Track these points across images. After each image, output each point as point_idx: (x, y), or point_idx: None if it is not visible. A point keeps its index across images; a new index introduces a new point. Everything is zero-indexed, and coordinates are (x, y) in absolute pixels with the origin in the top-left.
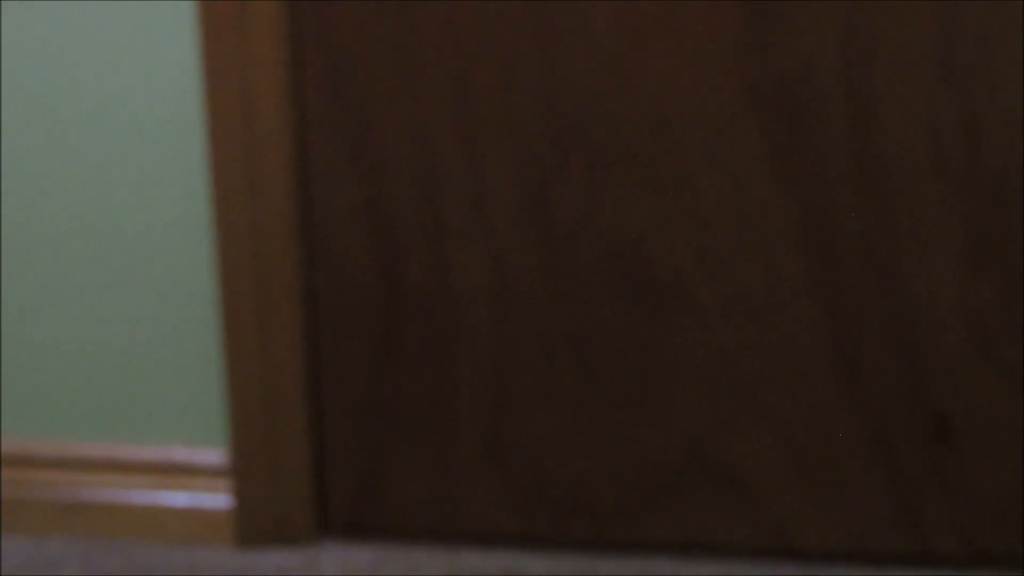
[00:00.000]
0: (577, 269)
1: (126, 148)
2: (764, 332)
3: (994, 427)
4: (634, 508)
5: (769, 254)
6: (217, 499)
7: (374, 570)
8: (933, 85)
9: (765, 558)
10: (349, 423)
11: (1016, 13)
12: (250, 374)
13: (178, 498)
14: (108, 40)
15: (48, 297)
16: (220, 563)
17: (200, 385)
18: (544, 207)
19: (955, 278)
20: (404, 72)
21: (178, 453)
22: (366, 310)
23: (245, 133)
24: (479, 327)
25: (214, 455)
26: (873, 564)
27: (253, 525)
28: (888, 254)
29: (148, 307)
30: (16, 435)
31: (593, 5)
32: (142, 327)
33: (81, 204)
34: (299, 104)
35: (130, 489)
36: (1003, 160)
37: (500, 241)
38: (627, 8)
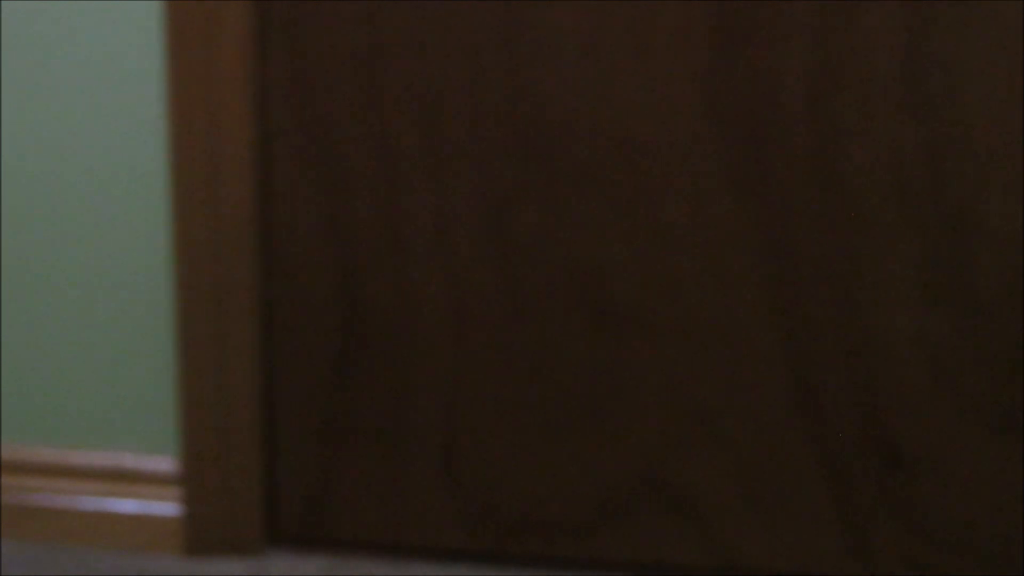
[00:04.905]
0: (536, 290)
1: (84, 151)
2: (720, 357)
3: (947, 456)
4: (585, 527)
5: (728, 280)
6: (167, 507)
7: None
8: (898, 116)
9: None
10: (302, 434)
11: (983, 47)
12: (203, 384)
13: (128, 505)
14: (71, 44)
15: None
16: (168, 571)
17: (152, 393)
18: (505, 227)
19: (913, 308)
20: (370, 88)
21: (129, 460)
22: (324, 324)
23: (207, 144)
24: (436, 345)
25: (165, 463)
26: None
27: (202, 534)
28: (847, 282)
29: (102, 314)
30: None
31: (562, 28)
32: (95, 334)
33: (36, 210)
34: (263, 117)
35: (80, 495)
36: (965, 193)
37: (460, 260)
38: (596, 32)
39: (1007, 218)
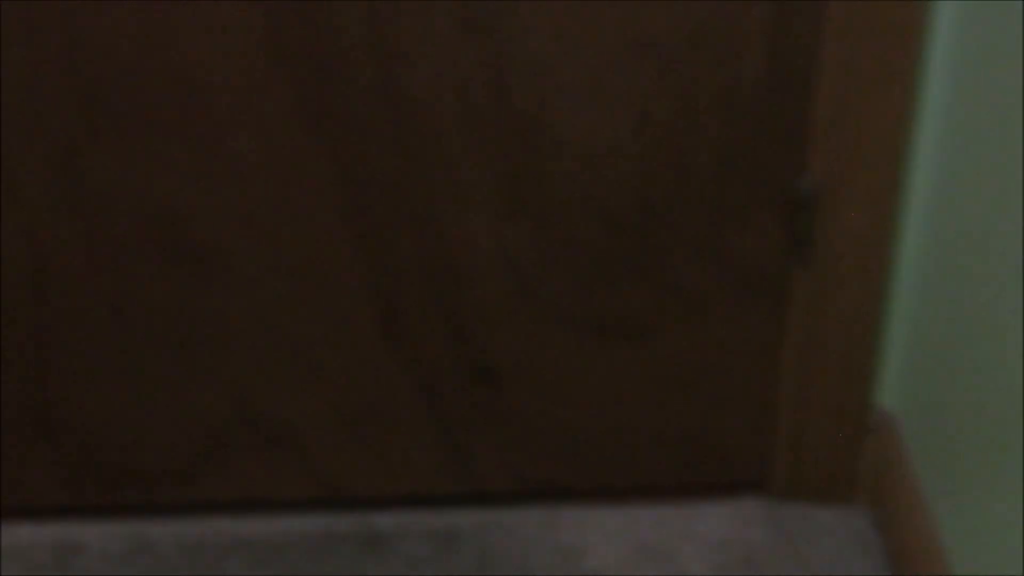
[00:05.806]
0: (114, 238)
1: None
2: (306, 288)
3: (535, 366)
4: (184, 470)
5: (305, 211)
6: None
7: None
8: (458, 37)
9: (319, 509)
10: None
11: None
12: None
13: None
14: None
15: None
16: None
17: None
18: (76, 177)
19: (490, 223)
20: None
21: None
22: None
23: None
24: (17, 303)
25: None
26: (427, 506)
27: None
28: (423, 204)
29: None
30: None
31: None
32: None
33: None
34: None
35: None
36: (529, 105)
37: (33, 215)
38: None
39: (572, 127)
